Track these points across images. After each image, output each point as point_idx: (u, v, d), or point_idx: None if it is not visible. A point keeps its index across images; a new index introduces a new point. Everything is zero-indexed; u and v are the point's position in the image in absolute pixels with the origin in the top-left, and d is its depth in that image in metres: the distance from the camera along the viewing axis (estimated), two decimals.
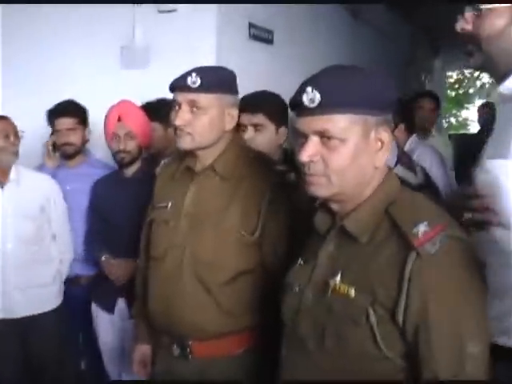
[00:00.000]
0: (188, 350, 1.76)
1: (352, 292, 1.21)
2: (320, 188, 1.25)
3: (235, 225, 1.73)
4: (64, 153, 3.04)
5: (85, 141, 3.08)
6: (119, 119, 2.69)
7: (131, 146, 2.70)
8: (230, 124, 1.79)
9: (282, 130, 2.34)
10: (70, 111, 3.00)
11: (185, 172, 1.86)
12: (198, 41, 3.30)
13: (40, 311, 2.77)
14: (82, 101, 3.09)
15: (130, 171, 2.77)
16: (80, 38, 3.58)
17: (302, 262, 1.40)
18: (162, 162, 2.11)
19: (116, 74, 3.50)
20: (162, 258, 1.81)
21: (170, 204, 1.85)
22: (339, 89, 1.21)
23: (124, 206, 2.68)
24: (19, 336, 2.74)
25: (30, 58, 3.70)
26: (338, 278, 1.25)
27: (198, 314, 1.73)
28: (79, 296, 2.95)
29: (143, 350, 2.01)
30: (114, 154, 2.74)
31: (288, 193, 1.76)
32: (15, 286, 2.70)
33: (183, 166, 1.86)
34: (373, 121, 1.23)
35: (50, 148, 3.06)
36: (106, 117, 2.75)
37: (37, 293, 2.76)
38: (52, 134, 3.05)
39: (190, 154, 1.82)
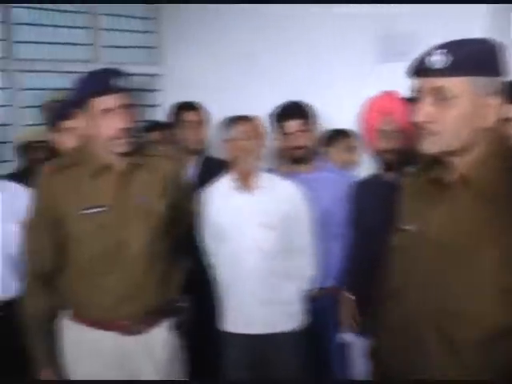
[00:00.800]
0: None
1: None
2: None
3: (495, 262, 1.25)
4: (293, 157, 2.82)
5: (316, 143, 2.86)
6: (387, 113, 2.35)
7: (399, 144, 2.34)
8: (489, 118, 1.31)
9: None
10: (298, 113, 2.80)
11: (432, 185, 1.44)
12: (467, 23, 2.76)
13: (281, 330, 2.56)
14: (328, 99, 2.87)
15: (391, 175, 2.39)
16: (331, 29, 3.36)
17: None
18: (406, 170, 1.70)
19: (371, 68, 3.21)
20: (400, 295, 1.44)
21: (414, 227, 1.46)
22: None
23: (382, 216, 2.29)
24: (256, 352, 2.57)
25: (285, 59, 3.61)
26: None
27: (437, 377, 1.31)
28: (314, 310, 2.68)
29: None
30: (379, 154, 2.43)
31: None
32: (256, 300, 2.53)
33: (430, 176, 1.45)
34: None
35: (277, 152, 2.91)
36: (366, 111, 2.45)
37: (279, 310, 2.55)
38: (276, 137, 2.87)
39: (438, 160, 1.40)
